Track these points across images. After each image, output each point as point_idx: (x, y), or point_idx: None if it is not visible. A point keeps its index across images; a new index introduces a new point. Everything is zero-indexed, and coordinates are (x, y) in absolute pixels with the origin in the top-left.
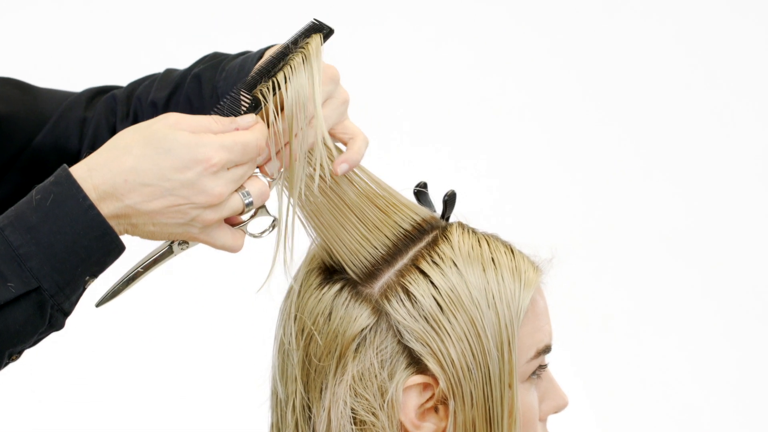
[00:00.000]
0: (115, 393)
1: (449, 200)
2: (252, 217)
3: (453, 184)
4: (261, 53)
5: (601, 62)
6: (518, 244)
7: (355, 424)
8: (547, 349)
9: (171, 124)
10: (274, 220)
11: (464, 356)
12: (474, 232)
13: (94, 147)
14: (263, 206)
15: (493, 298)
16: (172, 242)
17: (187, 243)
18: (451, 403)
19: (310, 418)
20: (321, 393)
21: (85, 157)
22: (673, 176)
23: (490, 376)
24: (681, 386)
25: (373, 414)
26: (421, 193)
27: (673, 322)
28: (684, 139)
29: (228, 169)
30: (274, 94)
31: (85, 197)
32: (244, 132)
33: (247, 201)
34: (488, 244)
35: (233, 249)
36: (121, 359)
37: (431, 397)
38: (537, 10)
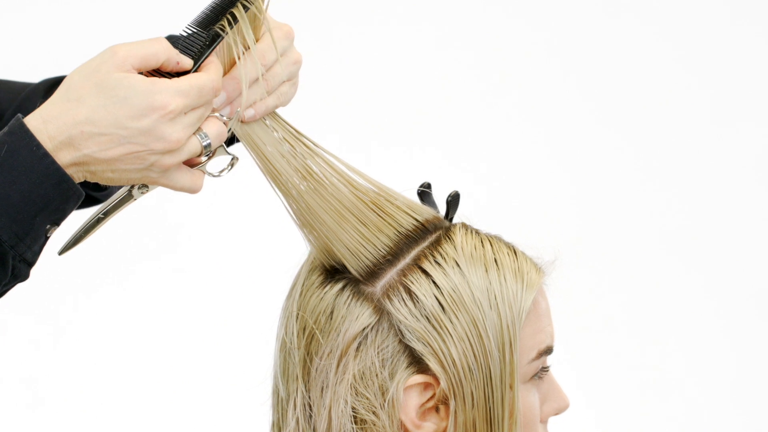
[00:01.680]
0: (117, 392)
1: (453, 201)
2: (210, 157)
3: (453, 184)
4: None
5: (600, 63)
6: (522, 245)
7: (356, 423)
8: (548, 350)
9: (121, 65)
10: (232, 159)
11: (465, 356)
12: (477, 232)
13: None
14: (221, 145)
15: (495, 298)
16: (132, 187)
17: (147, 187)
18: (451, 403)
19: (311, 416)
20: (322, 392)
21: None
22: (673, 177)
23: (491, 377)
24: (681, 386)
25: (374, 413)
26: (424, 193)
27: (673, 322)
28: (684, 139)
29: (185, 113)
30: (231, 27)
31: (39, 145)
32: (199, 74)
33: (205, 143)
34: (491, 245)
35: (192, 190)
36: (122, 359)
37: (432, 397)
38: (537, 12)
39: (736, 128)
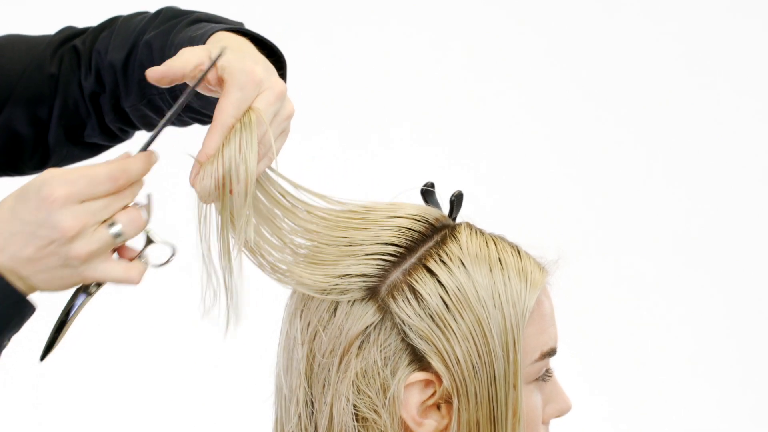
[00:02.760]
0: (118, 391)
1: (456, 200)
2: (145, 247)
3: (453, 184)
4: (209, 35)
5: (601, 62)
6: (524, 245)
7: (357, 420)
8: (551, 352)
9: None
10: (173, 253)
11: (470, 355)
12: (481, 232)
13: (66, 103)
14: (160, 237)
15: (500, 298)
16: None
17: (99, 284)
18: (455, 401)
19: (313, 413)
20: (323, 389)
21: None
22: (674, 176)
23: (495, 376)
24: (682, 386)
25: (375, 411)
26: (428, 192)
27: (674, 322)
28: (685, 139)
29: (81, 202)
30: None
31: None
32: (97, 165)
33: (113, 231)
34: (495, 245)
35: (128, 282)
36: (123, 358)
37: (433, 395)
38: (538, 12)
39: (738, 128)
